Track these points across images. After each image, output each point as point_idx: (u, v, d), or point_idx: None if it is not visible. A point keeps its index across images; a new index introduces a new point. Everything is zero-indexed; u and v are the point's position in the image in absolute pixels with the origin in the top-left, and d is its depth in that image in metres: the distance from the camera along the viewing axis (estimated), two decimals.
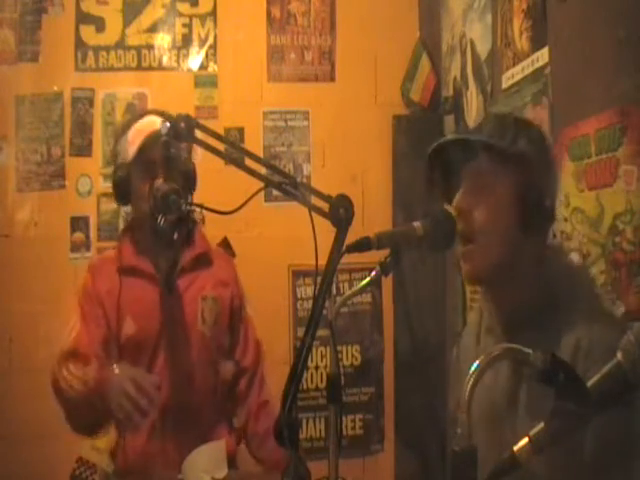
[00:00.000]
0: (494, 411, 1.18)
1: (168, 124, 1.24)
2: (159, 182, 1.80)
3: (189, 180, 1.95)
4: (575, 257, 1.60)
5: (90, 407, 1.71)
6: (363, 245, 1.20)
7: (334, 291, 2.74)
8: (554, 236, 1.68)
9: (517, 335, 1.16)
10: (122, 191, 1.92)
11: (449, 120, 2.71)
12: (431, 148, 1.26)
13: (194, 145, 1.40)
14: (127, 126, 1.95)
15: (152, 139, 1.84)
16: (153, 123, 1.85)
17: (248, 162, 1.31)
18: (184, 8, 3.01)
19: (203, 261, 2.00)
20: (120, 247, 1.98)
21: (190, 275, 1.96)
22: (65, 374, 1.76)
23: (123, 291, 1.87)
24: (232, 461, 1.93)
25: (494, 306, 1.26)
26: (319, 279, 1.12)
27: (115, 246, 2.03)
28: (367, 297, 2.98)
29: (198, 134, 1.28)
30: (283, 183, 1.26)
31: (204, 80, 3.00)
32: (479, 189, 1.20)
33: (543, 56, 1.84)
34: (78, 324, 1.89)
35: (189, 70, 3.00)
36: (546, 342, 1.10)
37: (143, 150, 1.87)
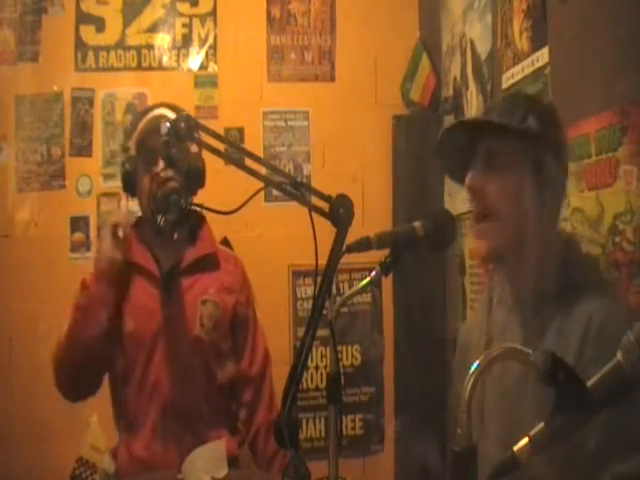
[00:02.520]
0: (507, 401, 1.18)
1: (168, 124, 1.24)
2: (159, 179, 1.79)
3: (196, 176, 1.95)
4: None
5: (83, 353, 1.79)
6: (363, 245, 1.20)
7: (334, 291, 2.74)
8: None
9: (529, 310, 1.19)
10: (129, 183, 1.93)
11: (449, 120, 2.71)
12: (442, 131, 1.28)
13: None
14: (137, 120, 1.96)
15: (151, 126, 1.84)
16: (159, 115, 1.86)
17: (248, 162, 1.31)
18: (184, 8, 3.01)
19: (208, 263, 1.98)
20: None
21: (192, 277, 1.95)
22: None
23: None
24: (234, 463, 1.93)
25: (508, 281, 1.27)
26: (319, 279, 1.12)
27: None
28: (367, 297, 2.98)
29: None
30: (283, 183, 1.26)
31: (204, 80, 3.00)
32: (491, 168, 1.21)
33: (543, 56, 1.83)
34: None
35: (189, 70, 3.00)
36: (558, 317, 1.13)
37: (143, 138, 1.88)
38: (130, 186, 1.93)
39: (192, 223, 1.99)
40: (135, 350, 1.88)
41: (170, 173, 1.82)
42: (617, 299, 1.21)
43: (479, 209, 1.22)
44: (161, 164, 1.84)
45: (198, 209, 1.90)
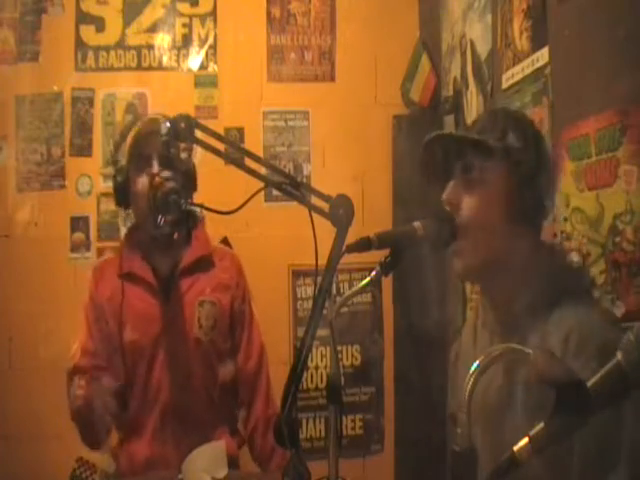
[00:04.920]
0: (490, 410, 1.18)
1: (168, 124, 1.24)
2: (157, 181, 1.79)
3: (190, 180, 1.95)
4: (575, 257, 1.60)
5: (90, 420, 1.78)
6: (363, 245, 1.20)
7: (334, 291, 2.74)
8: (554, 236, 1.68)
9: (511, 330, 1.18)
10: (122, 194, 1.92)
11: (449, 120, 2.71)
12: (424, 142, 1.28)
13: (194, 145, 1.40)
14: (126, 131, 1.96)
15: (145, 130, 1.84)
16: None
17: (248, 162, 1.31)
18: (184, 8, 3.01)
19: (203, 263, 1.98)
20: (121, 252, 1.98)
21: (189, 278, 1.95)
22: (70, 393, 1.82)
23: (124, 298, 1.87)
24: (234, 463, 1.93)
25: (488, 300, 1.27)
26: (319, 279, 1.12)
27: (117, 249, 2.04)
28: (367, 297, 2.98)
29: (198, 134, 1.28)
30: (283, 183, 1.26)
31: (204, 80, 3.00)
32: (468, 183, 1.22)
33: (543, 56, 1.83)
34: (83, 336, 1.90)
35: (189, 70, 3.00)
36: (538, 337, 1.11)
37: (138, 142, 1.87)
38: (124, 197, 1.93)
39: (188, 225, 1.99)
40: (136, 357, 1.89)
41: (169, 173, 1.82)
42: (598, 316, 1.17)
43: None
44: (157, 165, 1.84)
45: (195, 209, 1.91)
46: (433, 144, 1.28)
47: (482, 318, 1.30)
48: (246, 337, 2.03)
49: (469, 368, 0.87)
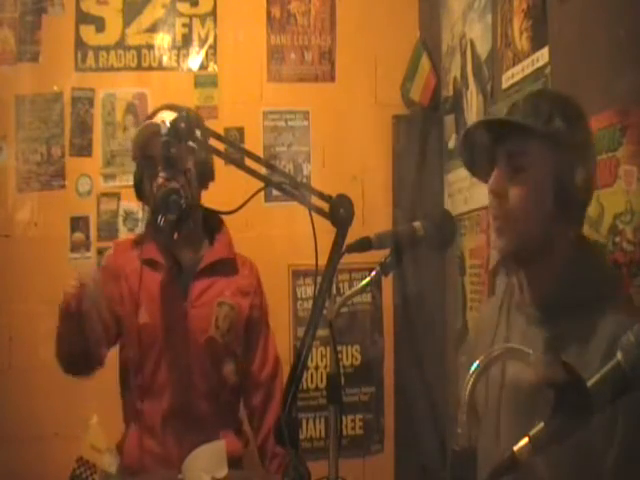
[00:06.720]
0: (517, 403, 1.17)
1: (168, 124, 1.24)
2: (159, 181, 1.81)
3: (203, 173, 1.96)
4: None
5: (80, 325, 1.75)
6: (363, 245, 1.21)
7: (334, 291, 2.74)
8: None
9: (551, 320, 1.15)
10: (138, 190, 1.97)
11: (449, 120, 2.71)
12: (466, 129, 1.25)
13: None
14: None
15: (146, 133, 1.86)
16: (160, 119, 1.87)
17: (248, 162, 1.31)
18: (184, 8, 3.01)
19: (226, 267, 1.99)
20: (144, 238, 1.99)
21: (210, 279, 1.96)
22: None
23: (142, 280, 1.87)
24: (238, 463, 1.93)
25: (527, 285, 1.23)
26: (319, 279, 1.13)
27: (139, 236, 2.05)
28: (367, 297, 2.98)
29: (197, 134, 1.28)
30: (283, 183, 1.26)
31: (204, 80, 3.00)
32: (514, 170, 1.19)
33: (543, 56, 1.83)
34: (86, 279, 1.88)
35: (189, 70, 3.00)
36: (581, 332, 1.08)
37: (142, 146, 1.89)
38: (140, 193, 1.96)
39: (211, 225, 2.01)
40: (147, 343, 1.89)
41: (170, 173, 1.83)
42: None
43: (499, 214, 1.20)
44: (160, 166, 1.85)
45: (212, 212, 1.91)
46: (474, 132, 1.25)
47: (517, 300, 1.26)
48: (262, 345, 2.05)
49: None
